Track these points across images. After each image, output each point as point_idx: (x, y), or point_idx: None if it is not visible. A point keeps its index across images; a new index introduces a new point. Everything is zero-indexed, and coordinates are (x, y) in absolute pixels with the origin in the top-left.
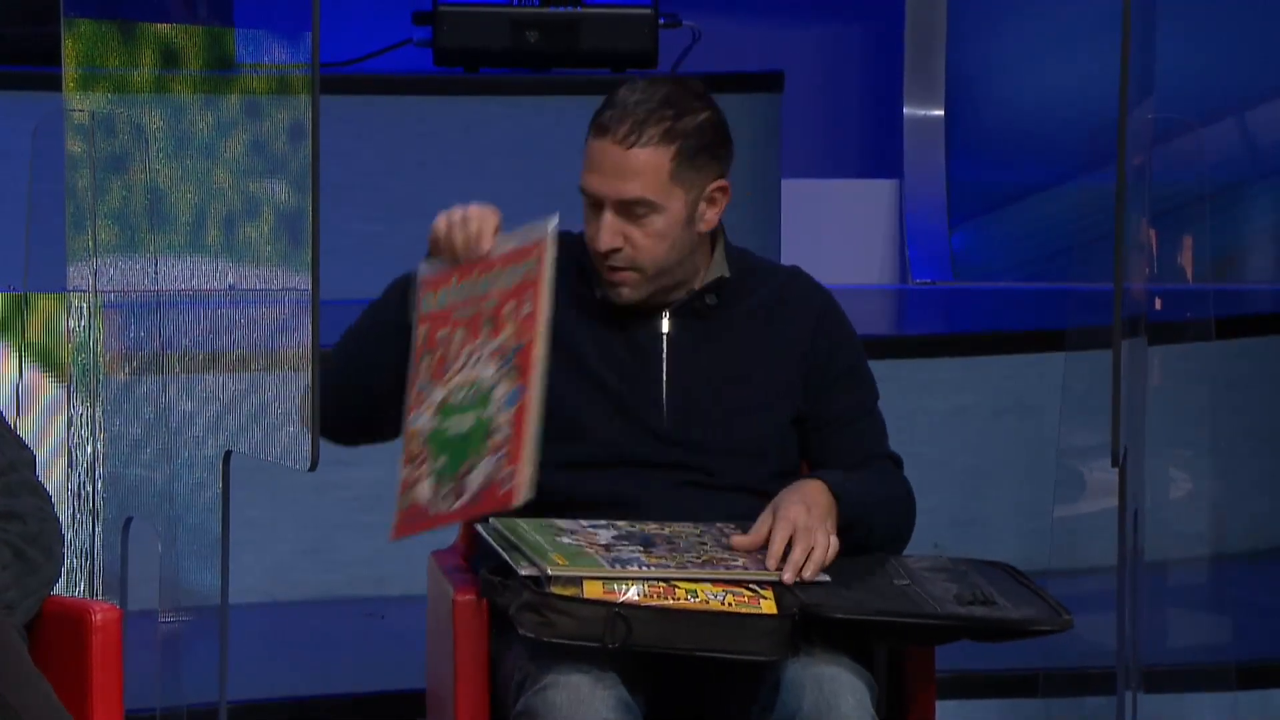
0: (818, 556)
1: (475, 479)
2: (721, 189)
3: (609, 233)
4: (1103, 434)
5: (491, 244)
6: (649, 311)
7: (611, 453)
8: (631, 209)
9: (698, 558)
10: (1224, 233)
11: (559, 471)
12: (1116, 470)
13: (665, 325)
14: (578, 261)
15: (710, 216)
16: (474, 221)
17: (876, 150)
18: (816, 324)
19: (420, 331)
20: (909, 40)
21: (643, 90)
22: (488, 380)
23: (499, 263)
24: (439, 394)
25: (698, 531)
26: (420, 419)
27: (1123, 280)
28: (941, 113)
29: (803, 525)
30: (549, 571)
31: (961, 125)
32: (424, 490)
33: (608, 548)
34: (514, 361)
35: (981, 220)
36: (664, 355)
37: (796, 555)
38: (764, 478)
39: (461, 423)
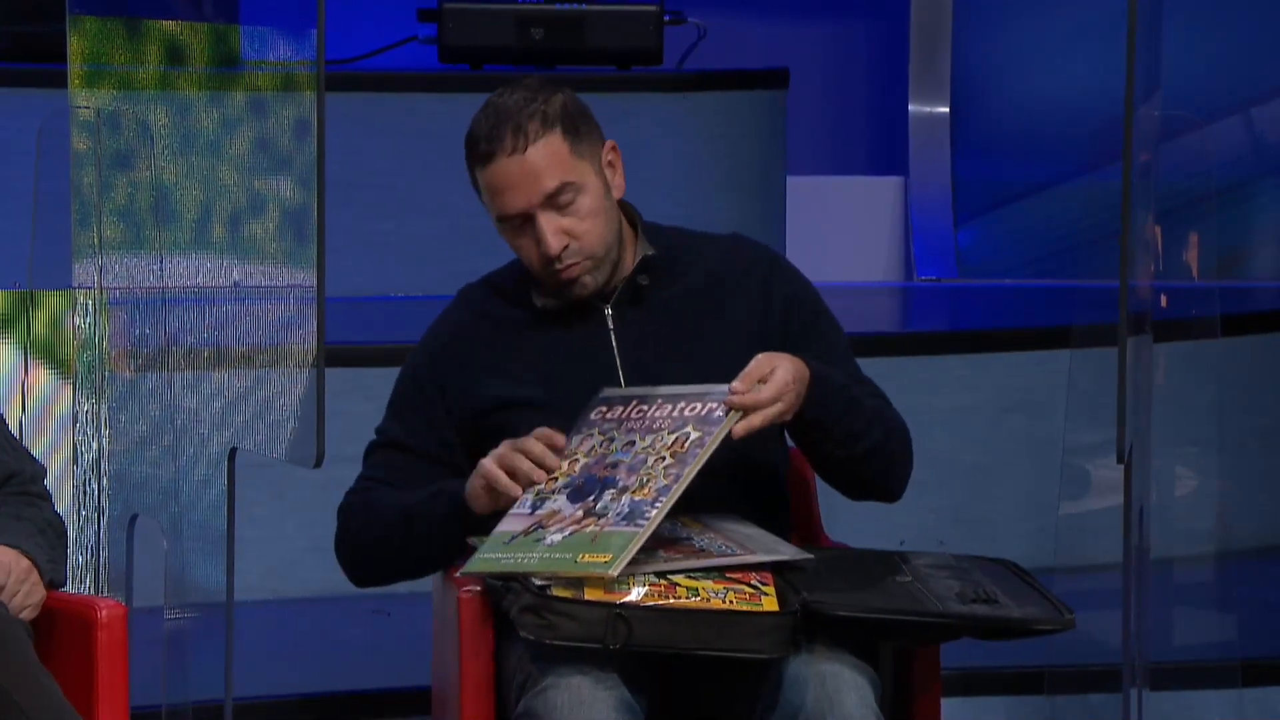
0: (768, 408)
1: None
2: (613, 149)
3: (553, 235)
4: (1108, 431)
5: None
6: (589, 313)
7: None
8: (558, 201)
9: (661, 459)
10: (1230, 230)
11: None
12: (1122, 467)
13: (610, 322)
14: (497, 293)
15: (618, 181)
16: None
17: (882, 147)
18: (766, 284)
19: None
20: (914, 37)
21: (494, 109)
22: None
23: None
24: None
25: (627, 444)
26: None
27: (1128, 277)
28: (947, 110)
29: (782, 379)
30: (613, 574)
31: (967, 122)
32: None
33: (592, 512)
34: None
35: (987, 217)
36: (615, 351)
37: (745, 430)
38: (739, 452)
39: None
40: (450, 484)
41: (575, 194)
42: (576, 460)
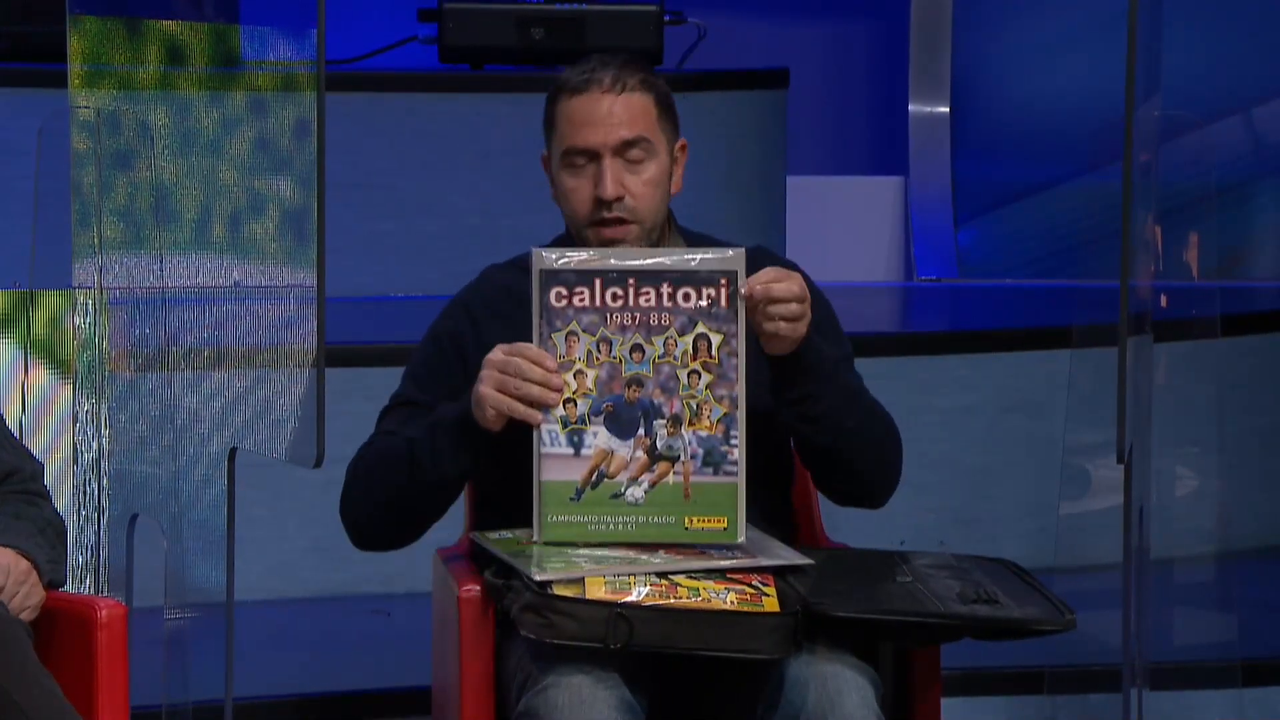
0: (778, 283)
1: None
2: (682, 148)
3: (613, 180)
4: (1108, 431)
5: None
6: None
7: None
8: (629, 152)
9: (695, 374)
10: (1230, 230)
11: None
12: (1122, 467)
13: None
14: (522, 272)
15: (678, 177)
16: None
17: (882, 147)
18: None
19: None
20: (914, 37)
21: (597, 57)
22: None
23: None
24: None
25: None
26: None
27: (1129, 277)
28: (947, 110)
29: (787, 286)
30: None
31: (967, 122)
32: None
33: (658, 454)
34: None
35: (987, 217)
36: None
37: (765, 290)
38: (756, 459)
39: None
40: (443, 411)
41: (646, 156)
42: (582, 372)
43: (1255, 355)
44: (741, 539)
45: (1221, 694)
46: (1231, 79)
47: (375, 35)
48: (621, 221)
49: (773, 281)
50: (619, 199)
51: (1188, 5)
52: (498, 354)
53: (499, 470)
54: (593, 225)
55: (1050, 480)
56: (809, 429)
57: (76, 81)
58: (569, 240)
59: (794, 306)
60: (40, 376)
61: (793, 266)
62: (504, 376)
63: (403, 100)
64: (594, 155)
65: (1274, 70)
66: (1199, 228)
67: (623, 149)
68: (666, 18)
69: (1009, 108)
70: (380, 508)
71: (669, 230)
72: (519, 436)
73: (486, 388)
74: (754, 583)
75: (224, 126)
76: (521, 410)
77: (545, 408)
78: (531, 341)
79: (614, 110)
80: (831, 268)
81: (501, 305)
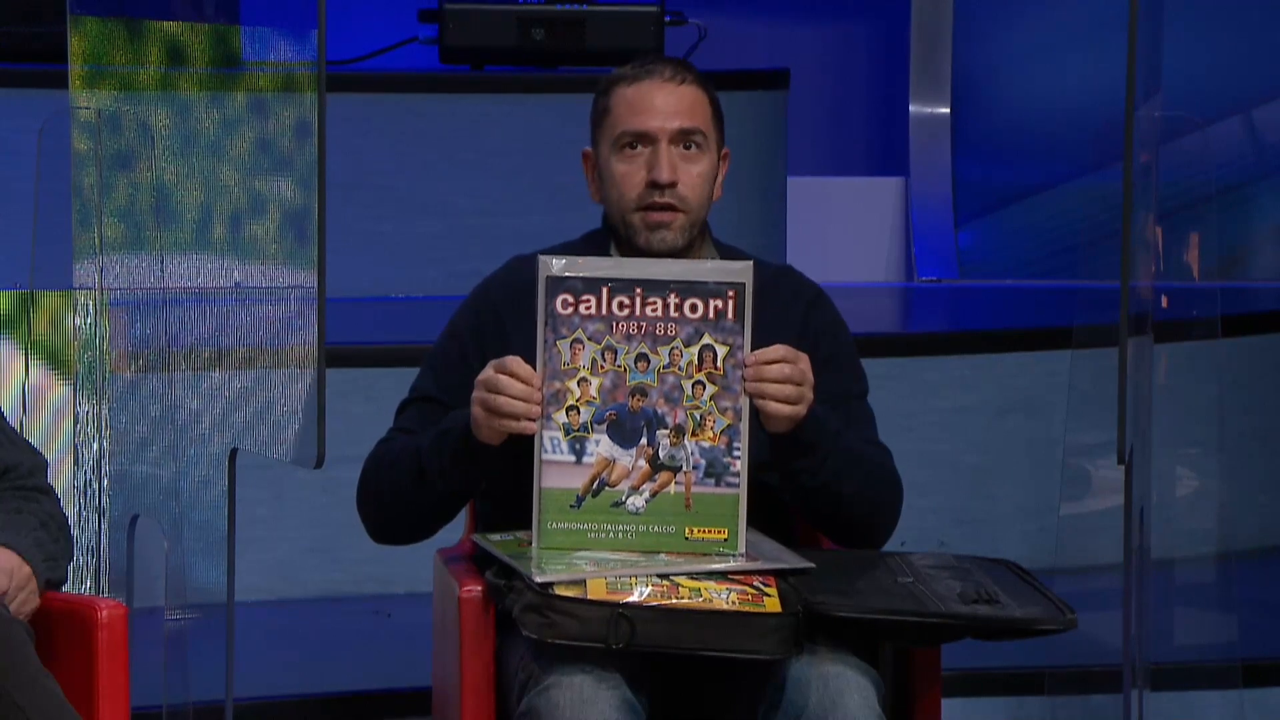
0: (780, 385)
1: None
2: (725, 156)
3: (668, 165)
4: (1109, 432)
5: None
6: None
7: None
8: (686, 141)
9: (700, 385)
10: (1230, 231)
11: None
12: (1122, 468)
13: None
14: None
15: (721, 181)
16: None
17: (882, 148)
18: (805, 317)
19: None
20: (915, 38)
21: (652, 57)
22: None
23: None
24: None
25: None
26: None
27: (1129, 278)
28: (948, 111)
29: (796, 369)
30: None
31: (968, 123)
32: None
33: (660, 464)
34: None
35: (987, 218)
36: None
37: (755, 372)
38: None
39: None
40: (450, 421)
41: (699, 149)
42: (586, 380)
43: (1255, 356)
44: (741, 551)
45: (1221, 694)
46: (1231, 79)
47: (375, 36)
48: (670, 208)
49: (772, 362)
50: (672, 184)
51: (1188, 5)
52: (487, 371)
53: (501, 475)
54: (641, 210)
55: (1050, 480)
56: (803, 495)
57: (77, 82)
58: (606, 233)
59: (789, 389)
60: (41, 377)
61: (817, 289)
62: (488, 395)
63: (403, 101)
64: (650, 140)
65: (1274, 70)
66: (1199, 228)
67: (679, 137)
68: (666, 18)
69: (1009, 108)
70: (393, 509)
71: (704, 237)
72: (523, 442)
73: (476, 409)
74: (755, 583)
75: (224, 127)
76: (513, 426)
77: (542, 416)
78: (535, 347)
79: (671, 99)
80: (831, 268)
81: (525, 299)
